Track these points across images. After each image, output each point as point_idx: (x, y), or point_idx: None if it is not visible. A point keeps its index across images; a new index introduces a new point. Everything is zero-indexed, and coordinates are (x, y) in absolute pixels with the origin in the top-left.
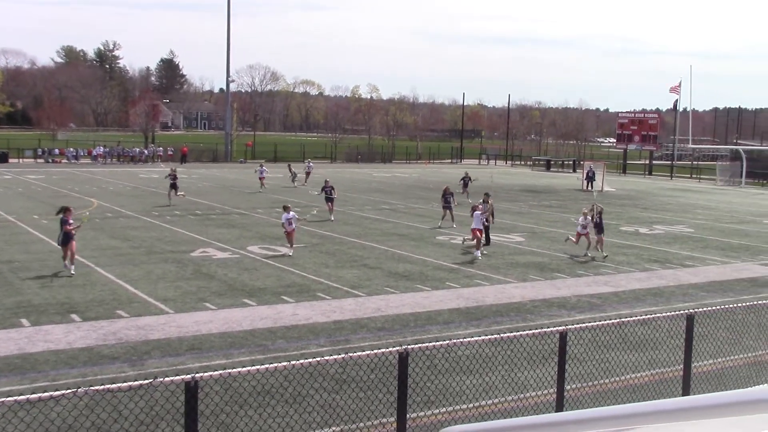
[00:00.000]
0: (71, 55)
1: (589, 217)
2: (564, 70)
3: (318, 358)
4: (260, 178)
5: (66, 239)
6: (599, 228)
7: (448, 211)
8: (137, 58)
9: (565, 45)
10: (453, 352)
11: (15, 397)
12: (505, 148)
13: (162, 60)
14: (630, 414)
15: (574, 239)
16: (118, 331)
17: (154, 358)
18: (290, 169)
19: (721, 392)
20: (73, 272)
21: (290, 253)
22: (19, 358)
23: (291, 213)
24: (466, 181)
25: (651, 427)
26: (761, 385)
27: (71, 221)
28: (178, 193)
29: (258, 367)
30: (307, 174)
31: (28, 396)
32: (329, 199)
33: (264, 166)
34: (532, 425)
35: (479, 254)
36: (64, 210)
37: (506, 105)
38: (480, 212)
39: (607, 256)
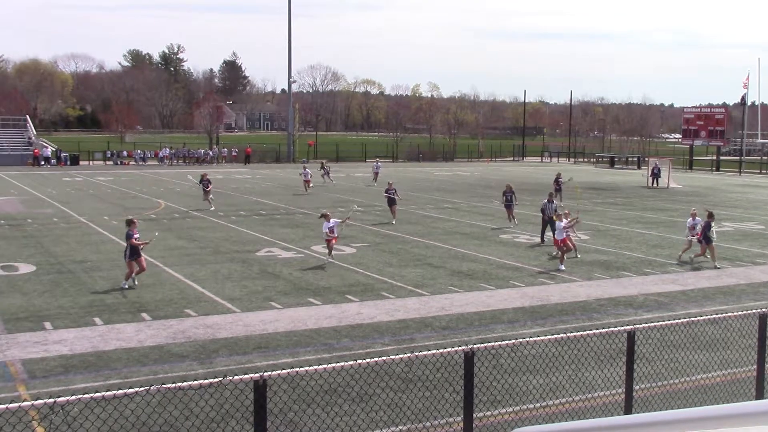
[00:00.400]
0: (137, 58)
1: (698, 218)
2: (627, 66)
3: (384, 357)
4: (305, 181)
5: (133, 253)
6: (706, 235)
7: (508, 210)
8: (201, 60)
9: (627, 39)
10: (519, 352)
11: (91, 394)
12: (567, 145)
13: (225, 62)
14: (702, 417)
15: (686, 246)
16: (187, 329)
17: (222, 357)
18: (323, 167)
19: None
20: (136, 283)
21: (328, 260)
22: (93, 356)
23: (332, 221)
24: (558, 182)
25: (724, 431)
26: None
27: (137, 235)
28: (209, 197)
29: (325, 366)
30: (376, 174)
31: (103, 393)
32: (392, 202)
33: (308, 168)
34: (603, 427)
35: (563, 267)
36: (129, 223)
37: (568, 101)
38: (564, 223)
39: (718, 267)
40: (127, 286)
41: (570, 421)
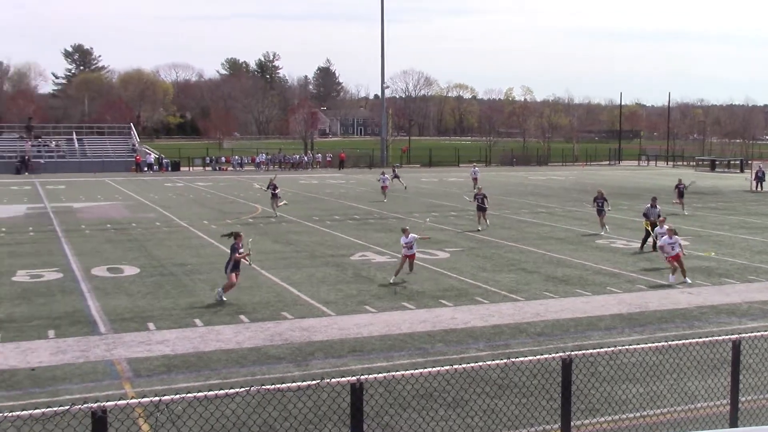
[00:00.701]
0: (235, 67)
1: None
2: (727, 66)
3: (480, 363)
4: (382, 187)
5: (235, 267)
6: None
7: (600, 217)
8: (295, 67)
9: (727, 39)
10: (617, 360)
11: (194, 394)
12: (665, 148)
13: (319, 68)
14: None
15: None
16: (284, 332)
17: (317, 359)
18: (394, 171)
19: None
20: (224, 299)
21: (391, 280)
22: (194, 356)
23: (411, 236)
24: (680, 189)
25: None
26: None
27: (242, 248)
28: (280, 203)
29: (421, 370)
30: (475, 180)
31: (206, 393)
32: (481, 209)
33: (386, 173)
34: None
35: (688, 280)
36: (235, 235)
37: (666, 104)
38: (666, 236)
39: None
40: (224, 298)
41: None
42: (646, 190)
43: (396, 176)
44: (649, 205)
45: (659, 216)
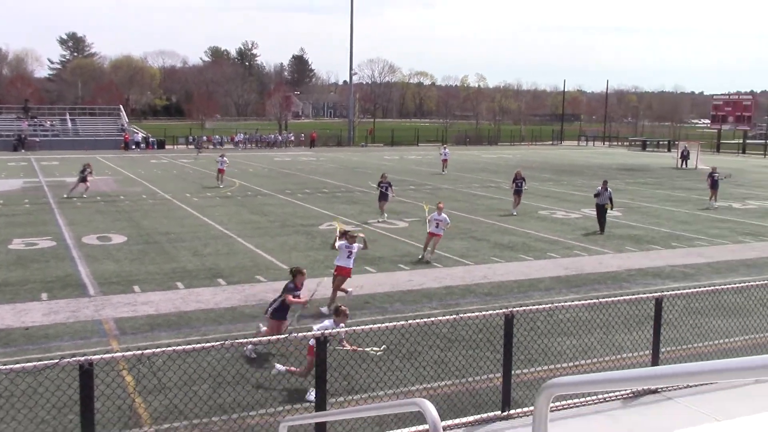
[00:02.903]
0: (217, 54)
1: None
2: (660, 56)
3: (432, 318)
4: (219, 170)
5: (279, 312)
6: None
7: (517, 197)
8: (272, 55)
9: (660, 32)
10: (554, 316)
11: (173, 347)
12: (602, 130)
13: (293, 57)
14: (723, 369)
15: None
16: (258, 293)
17: (288, 317)
18: (198, 146)
19: None
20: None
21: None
22: (175, 316)
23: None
24: (714, 178)
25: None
26: None
27: (301, 291)
28: (76, 189)
29: (379, 325)
30: (444, 161)
31: (183, 347)
32: (383, 197)
33: (225, 156)
34: (627, 378)
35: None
36: (294, 273)
37: (604, 90)
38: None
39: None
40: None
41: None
42: (584, 167)
43: (199, 147)
44: (600, 188)
45: (610, 199)
